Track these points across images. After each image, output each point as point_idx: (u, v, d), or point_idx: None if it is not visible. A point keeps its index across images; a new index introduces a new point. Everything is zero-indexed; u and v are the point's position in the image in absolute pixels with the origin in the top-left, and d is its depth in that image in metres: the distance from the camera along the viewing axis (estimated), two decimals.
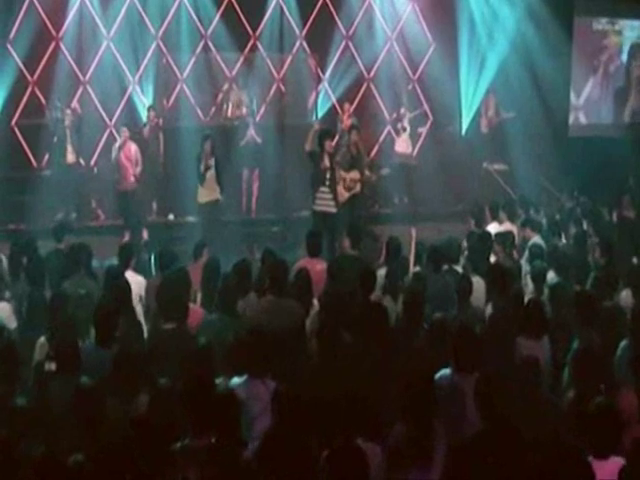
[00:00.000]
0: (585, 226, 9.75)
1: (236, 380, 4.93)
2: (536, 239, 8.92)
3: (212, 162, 11.10)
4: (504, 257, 8.29)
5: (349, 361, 5.08)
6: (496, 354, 5.34)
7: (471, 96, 15.11)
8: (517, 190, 13.35)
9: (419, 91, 15.31)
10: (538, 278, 7.29)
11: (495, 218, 9.79)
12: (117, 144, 12.45)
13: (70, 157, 12.91)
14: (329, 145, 10.57)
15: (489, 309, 6.63)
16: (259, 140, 13.33)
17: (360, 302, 6.16)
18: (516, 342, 5.76)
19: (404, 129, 14.16)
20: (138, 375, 4.72)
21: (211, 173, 11.07)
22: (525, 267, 8.13)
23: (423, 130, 15.16)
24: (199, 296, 6.94)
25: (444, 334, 5.47)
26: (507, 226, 9.62)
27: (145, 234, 12.31)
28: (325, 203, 10.57)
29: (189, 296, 6.55)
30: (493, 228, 9.45)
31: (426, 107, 15.17)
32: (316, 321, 6.12)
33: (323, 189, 10.56)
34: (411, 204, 14.12)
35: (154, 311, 6.40)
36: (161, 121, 13.46)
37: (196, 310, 6.44)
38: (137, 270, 7.86)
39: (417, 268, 7.98)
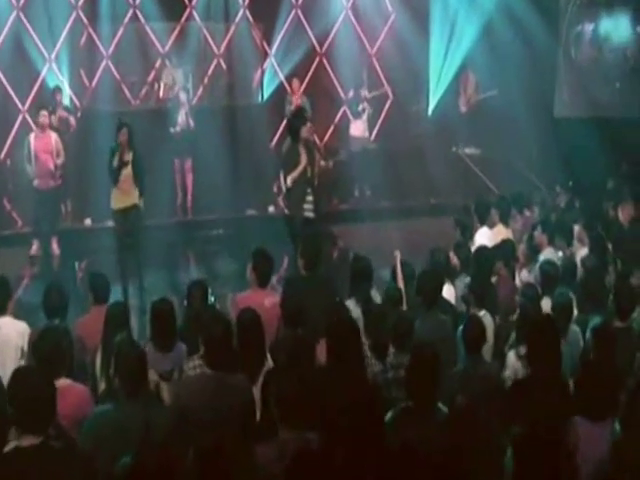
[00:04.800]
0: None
1: None
2: (548, 251, 7.01)
3: (129, 157, 8.87)
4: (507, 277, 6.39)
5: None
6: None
7: (442, 72, 13.86)
8: (497, 180, 11.80)
9: (378, 67, 14.17)
10: (562, 315, 5.17)
11: (484, 222, 7.80)
12: (32, 133, 10.53)
13: None
14: (306, 132, 8.72)
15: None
16: (192, 125, 11.98)
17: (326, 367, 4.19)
18: (572, 423, 3.84)
19: (364, 110, 12.99)
20: None
21: (127, 172, 8.83)
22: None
23: (383, 111, 13.98)
24: (98, 360, 4.83)
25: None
26: (501, 231, 7.67)
27: (55, 245, 10.36)
28: (309, 207, 8.65)
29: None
30: (484, 235, 7.47)
31: (386, 85, 14.01)
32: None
33: (308, 190, 8.63)
34: (374, 197, 12.81)
35: None
36: (71, 105, 12.15)
37: (79, 391, 4.24)
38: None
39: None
